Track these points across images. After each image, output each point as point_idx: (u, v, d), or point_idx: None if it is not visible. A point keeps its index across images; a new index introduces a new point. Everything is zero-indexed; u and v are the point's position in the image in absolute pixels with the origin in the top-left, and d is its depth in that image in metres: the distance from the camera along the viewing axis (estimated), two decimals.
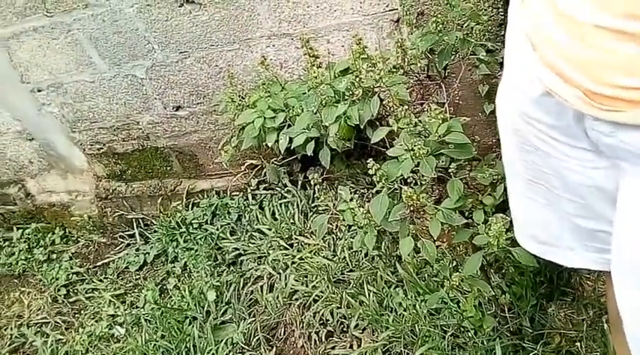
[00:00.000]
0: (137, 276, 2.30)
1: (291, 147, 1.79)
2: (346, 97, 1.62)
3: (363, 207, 1.46)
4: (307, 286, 1.85)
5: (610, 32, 0.60)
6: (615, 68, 0.61)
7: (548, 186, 0.85)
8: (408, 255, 1.46)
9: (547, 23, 0.68)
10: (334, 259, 1.88)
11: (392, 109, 1.40)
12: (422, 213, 1.51)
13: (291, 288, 1.87)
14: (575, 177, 0.79)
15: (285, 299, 1.87)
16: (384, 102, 1.51)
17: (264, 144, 1.87)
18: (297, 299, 1.85)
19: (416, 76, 1.71)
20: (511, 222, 1.05)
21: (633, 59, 0.59)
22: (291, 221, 2.06)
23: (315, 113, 1.69)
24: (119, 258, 2.41)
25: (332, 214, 1.83)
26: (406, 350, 1.59)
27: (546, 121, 0.76)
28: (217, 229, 2.21)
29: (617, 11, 0.58)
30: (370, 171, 1.38)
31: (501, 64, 1.58)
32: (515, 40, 0.80)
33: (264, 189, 2.21)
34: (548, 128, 0.77)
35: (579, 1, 0.62)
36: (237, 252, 2.11)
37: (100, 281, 2.34)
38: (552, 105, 0.73)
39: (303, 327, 1.79)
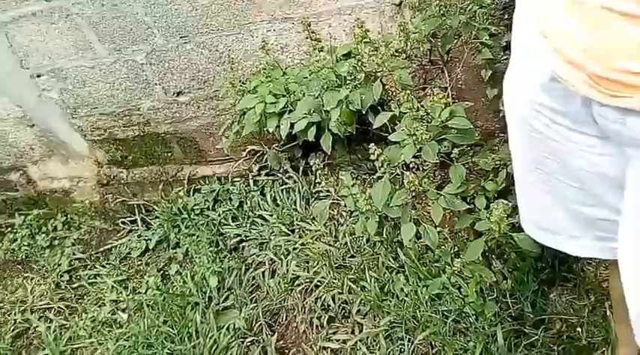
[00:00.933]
0: (139, 262, 2.31)
1: (293, 133, 1.78)
2: (348, 82, 1.60)
3: (364, 193, 1.46)
4: (309, 272, 1.85)
5: (619, 15, 0.58)
6: (623, 52, 0.60)
7: (548, 171, 0.85)
8: (410, 241, 1.46)
9: (555, 9, 0.66)
10: (336, 245, 1.88)
11: (394, 94, 1.39)
12: (424, 198, 1.51)
13: (293, 274, 1.88)
14: (577, 161, 0.78)
15: (286, 285, 1.87)
16: (386, 87, 1.50)
17: (265, 129, 1.86)
18: (298, 285, 1.85)
19: (418, 61, 1.70)
20: (513, 207, 1.05)
21: None
22: (293, 207, 2.06)
23: (317, 98, 1.68)
24: (121, 244, 2.41)
25: (333, 200, 1.83)
26: (408, 336, 1.59)
27: (553, 107, 0.75)
28: (219, 215, 2.21)
29: None
30: (372, 157, 1.38)
31: (504, 48, 1.56)
32: (521, 26, 0.79)
33: (266, 174, 2.21)
34: (554, 113, 0.76)
35: None
36: (239, 238, 2.11)
37: (103, 267, 2.34)
38: (560, 90, 0.72)
39: (304, 313, 1.79)
